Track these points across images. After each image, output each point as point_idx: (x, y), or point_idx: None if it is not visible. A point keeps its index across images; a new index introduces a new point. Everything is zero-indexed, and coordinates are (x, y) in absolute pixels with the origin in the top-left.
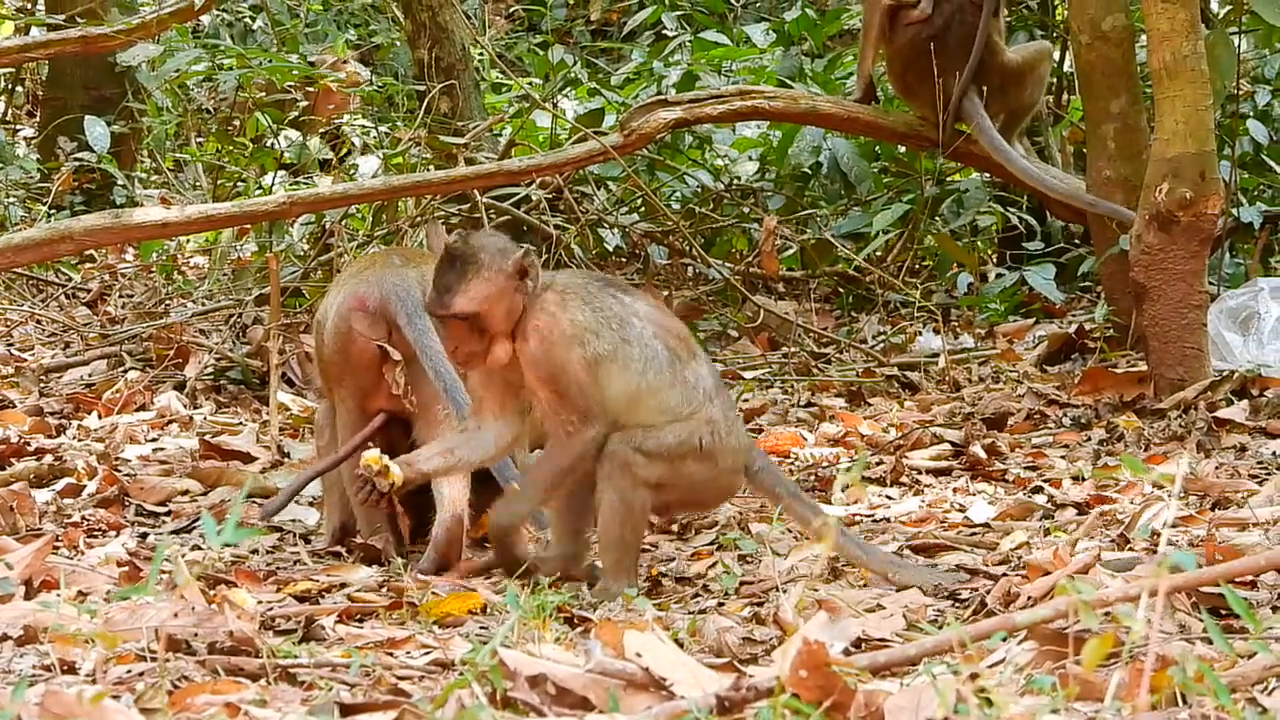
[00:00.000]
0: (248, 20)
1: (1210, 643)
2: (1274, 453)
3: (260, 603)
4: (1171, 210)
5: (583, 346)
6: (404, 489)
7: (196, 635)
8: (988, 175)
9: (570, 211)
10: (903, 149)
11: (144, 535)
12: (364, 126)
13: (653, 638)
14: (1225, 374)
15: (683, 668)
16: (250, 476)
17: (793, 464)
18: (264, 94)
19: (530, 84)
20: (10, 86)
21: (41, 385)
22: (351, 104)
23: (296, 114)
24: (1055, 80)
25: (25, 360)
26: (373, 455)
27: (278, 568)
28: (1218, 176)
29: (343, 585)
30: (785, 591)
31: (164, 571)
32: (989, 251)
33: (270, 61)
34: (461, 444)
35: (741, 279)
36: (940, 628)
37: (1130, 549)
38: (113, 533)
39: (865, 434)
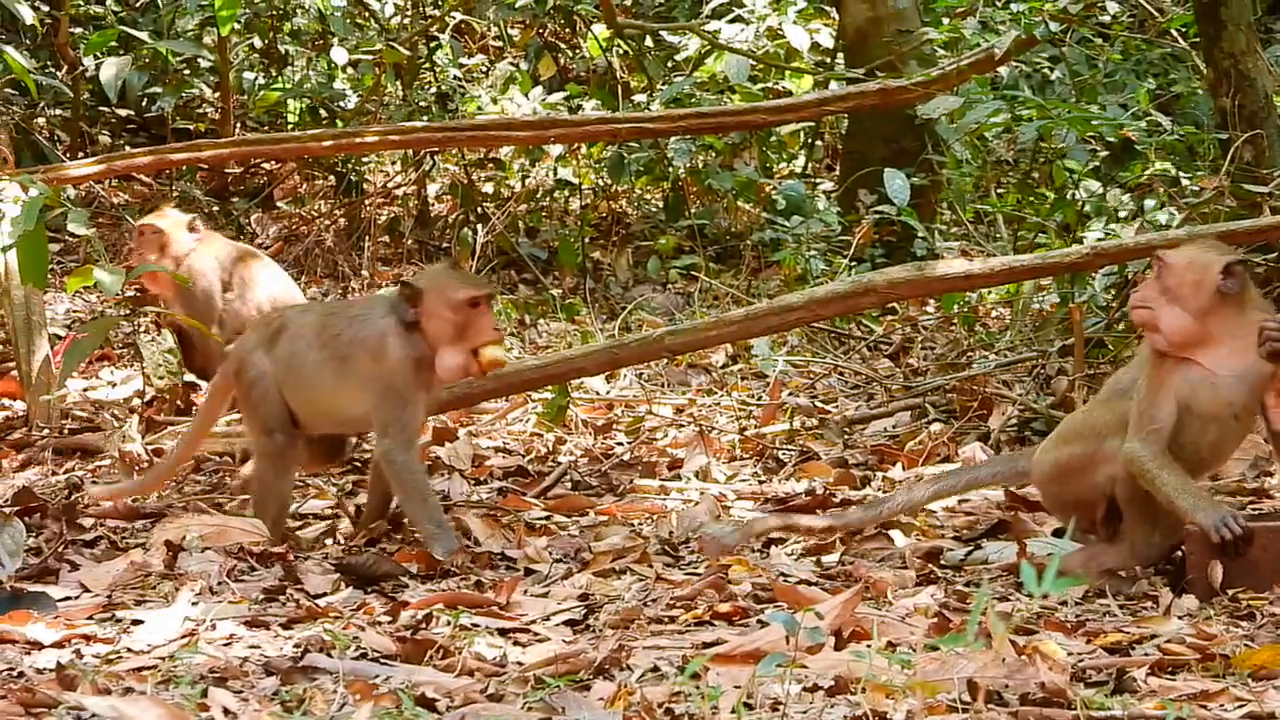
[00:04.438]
0: (1045, 70)
1: None
2: None
3: (1070, 654)
4: None
5: None
6: None
7: (1008, 686)
8: None
9: None
10: None
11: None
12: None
13: None
14: None
15: None
16: None
17: None
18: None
19: None
20: (810, 140)
21: (845, 437)
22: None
23: (1095, 164)
24: None
25: (829, 412)
26: None
27: (1087, 618)
28: None
29: (1153, 636)
30: None
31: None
32: None
33: (1070, 113)
34: None
35: None
36: None
37: None
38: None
39: None
